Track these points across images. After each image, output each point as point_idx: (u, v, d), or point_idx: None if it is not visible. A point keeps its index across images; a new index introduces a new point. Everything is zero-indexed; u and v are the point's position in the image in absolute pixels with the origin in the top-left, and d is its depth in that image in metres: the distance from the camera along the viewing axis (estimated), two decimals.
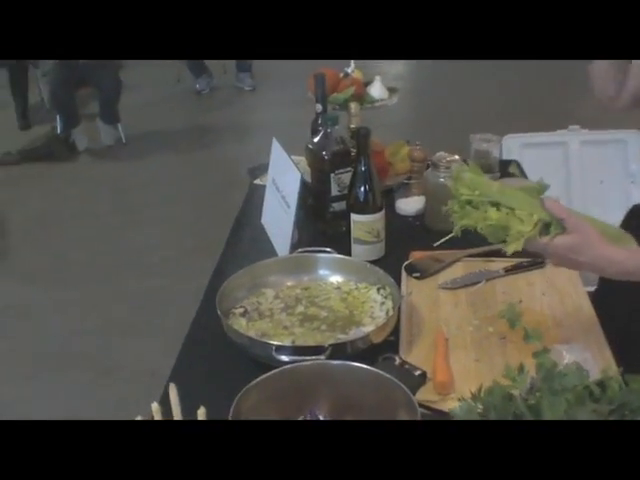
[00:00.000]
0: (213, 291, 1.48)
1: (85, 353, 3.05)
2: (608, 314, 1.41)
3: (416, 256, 1.68)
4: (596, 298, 1.53)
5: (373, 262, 1.57)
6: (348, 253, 1.64)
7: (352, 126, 1.94)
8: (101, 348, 3.08)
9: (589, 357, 1.27)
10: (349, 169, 1.71)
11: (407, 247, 1.69)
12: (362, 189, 1.64)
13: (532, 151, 2.89)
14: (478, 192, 1.21)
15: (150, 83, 5.82)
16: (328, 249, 1.58)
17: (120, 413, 2.52)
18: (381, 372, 1.11)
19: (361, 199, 1.64)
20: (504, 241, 1.20)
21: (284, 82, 5.74)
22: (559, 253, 1.19)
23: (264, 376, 1.11)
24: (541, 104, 4.98)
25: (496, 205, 1.19)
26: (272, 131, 4.22)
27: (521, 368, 0.99)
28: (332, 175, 1.74)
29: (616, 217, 1.61)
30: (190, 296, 3.07)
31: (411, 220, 1.87)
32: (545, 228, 1.18)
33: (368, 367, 1.13)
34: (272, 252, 1.68)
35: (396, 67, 5.84)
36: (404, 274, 1.62)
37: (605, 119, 3.89)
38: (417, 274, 1.61)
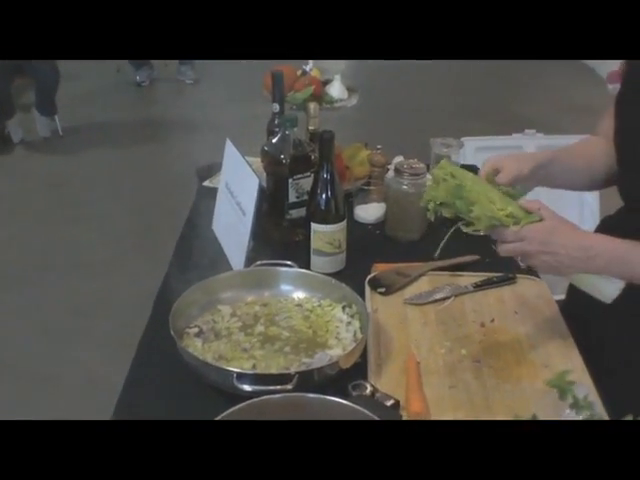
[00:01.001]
0: (162, 305, 1.39)
1: (19, 360, 2.88)
2: (579, 321, 1.39)
3: (379, 268, 1.59)
4: (566, 306, 1.48)
5: (333, 275, 1.48)
6: (305, 264, 1.54)
7: (311, 128, 1.83)
8: (36, 355, 2.91)
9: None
10: (308, 174, 1.63)
11: (368, 258, 1.62)
12: (324, 197, 1.54)
13: (487, 155, 2.80)
14: (455, 179, 1.21)
15: (89, 73, 5.60)
16: (289, 262, 1.48)
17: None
18: (359, 408, 1.01)
19: (323, 207, 1.55)
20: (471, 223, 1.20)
21: (227, 76, 5.61)
22: (536, 238, 1.17)
23: (230, 411, 0.99)
24: (496, 106, 4.98)
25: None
26: (220, 129, 4.17)
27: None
28: (290, 180, 1.65)
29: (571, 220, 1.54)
30: (131, 299, 3.13)
31: (371, 228, 1.80)
32: (516, 222, 1.18)
33: (345, 402, 1.03)
34: (224, 262, 1.58)
35: (354, 66, 5.69)
36: (368, 289, 1.53)
37: (560, 123, 3.93)
38: (382, 289, 1.52)
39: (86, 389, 2.69)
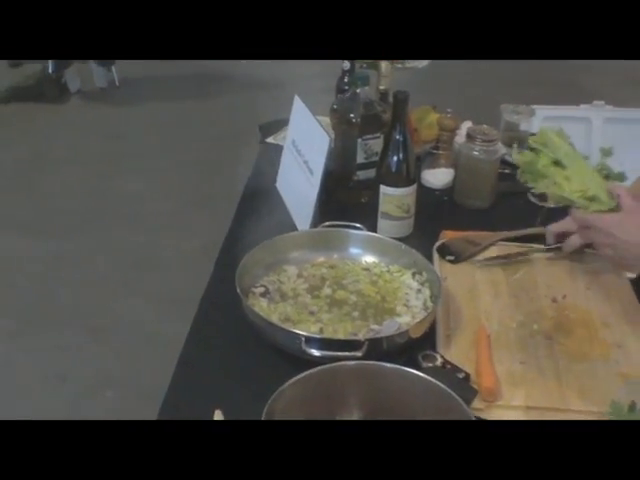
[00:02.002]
0: (225, 262, 1.38)
1: (67, 311, 2.87)
2: None
3: (448, 236, 1.54)
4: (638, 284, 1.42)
5: (400, 240, 1.44)
6: (371, 227, 1.50)
7: (382, 87, 1.78)
8: (85, 306, 2.90)
9: None
10: (378, 135, 1.58)
11: (436, 225, 1.56)
12: (395, 159, 1.49)
13: (553, 125, 2.73)
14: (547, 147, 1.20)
15: None
16: (357, 224, 1.45)
17: (108, 380, 2.46)
18: (435, 381, 0.98)
19: (393, 170, 1.50)
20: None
21: None
22: (602, 229, 1.15)
23: (300, 376, 0.97)
24: (560, 77, 4.83)
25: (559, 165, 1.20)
26: (285, 85, 4.08)
27: (632, 406, 0.84)
28: (359, 141, 1.60)
29: None
30: (185, 255, 3.14)
31: (438, 194, 1.74)
32: (586, 206, 1.18)
33: (421, 374, 1.01)
34: (289, 221, 1.55)
35: None
36: (436, 256, 1.48)
37: (630, 97, 3.80)
38: (451, 257, 1.47)
39: (138, 344, 2.68)
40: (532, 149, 1.27)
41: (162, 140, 4.17)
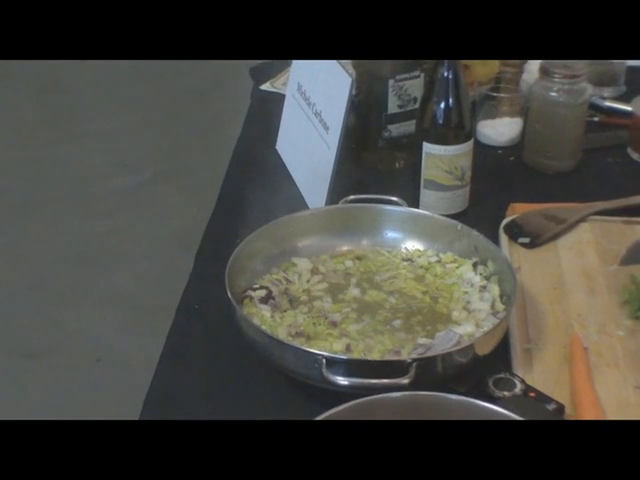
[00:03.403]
0: (209, 256, 1.40)
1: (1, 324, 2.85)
2: None
3: (518, 210, 1.51)
4: None
5: (453, 217, 1.42)
6: (411, 202, 1.48)
7: None
8: (20, 322, 2.86)
9: None
10: (417, 74, 1.58)
11: (501, 195, 1.57)
12: (443, 106, 1.45)
13: None
14: None
15: None
16: (393, 198, 1.42)
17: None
18: (517, 417, 0.92)
19: (441, 121, 1.46)
20: None
21: None
22: None
23: (322, 417, 0.90)
24: None
25: None
26: None
27: None
28: (391, 82, 1.58)
29: None
30: (155, 246, 3.15)
31: (502, 153, 1.73)
32: None
33: (495, 407, 0.94)
34: (297, 196, 1.57)
35: None
36: (504, 239, 1.44)
37: None
38: (525, 239, 1.43)
39: (93, 371, 2.65)
40: None
41: (120, 94, 4.15)
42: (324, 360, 1.08)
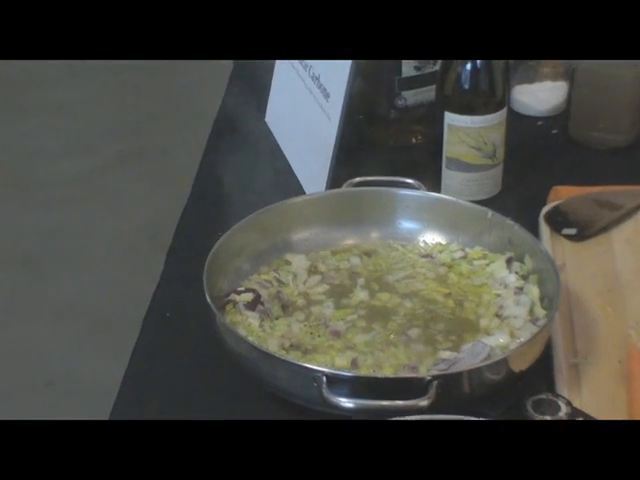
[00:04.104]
0: (183, 253, 1.43)
1: None
2: None
3: (562, 194, 1.53)
4: None
5: (483, 204, 1.43)
6: (431, 185, 1.49)
7: None
8: None
9: None
10: None
11: (542, 177, 1.59)
12: (470, 67, 1.46)
13: None
14: None
15: None
16: (409, 180, 1.43)
17: None
18: None
19: (467, 86, 1.47)
20: None
21: None
22: None
23: None
24: None
25: None
26: None
27: None
28: None
29: None
30: (117, 243, 3.14)
31: (542, 125, 1.75)
32: None
33: None
34: (291, 178, 1.59)
35: None
36: (545, 230, 1.45)
37: None
38: (571, 230, 1.44)
39: (37, 397, 2.67)
40: None
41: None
42: (324, 378, 1.08)
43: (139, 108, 3.80)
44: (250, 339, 1.17)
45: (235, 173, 1.57)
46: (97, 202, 3.35)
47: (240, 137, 1.70)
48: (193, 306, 1.24)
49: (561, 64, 1.75)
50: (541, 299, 1.27)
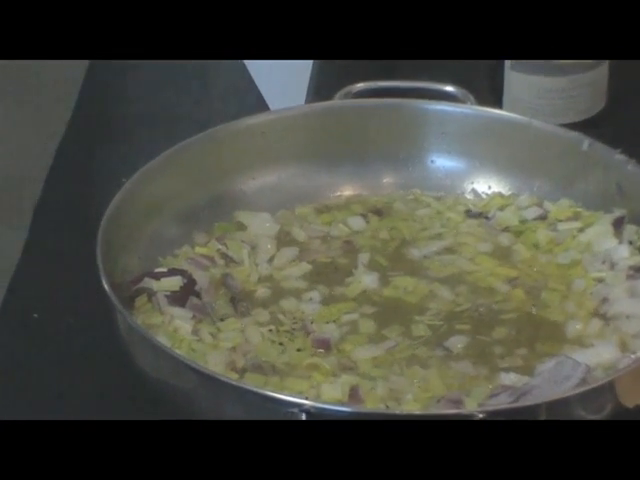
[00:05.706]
0: (58, 217, 1.47)
1: None
2: None
3: None
4: None
5: (575, 128, 1.45)
6: (486, 97, 1.54)
7: None
8: None
9: None
10: None
11: None
12: None
13: None
14: None
15: None
16: (450, 88, 1.46)
17: None
18: None
19: None
20: None
21: None
22: None
23: None
24: None
25: None
26: None
27: None
28: None
29: None
30: None
31: None
32: None
33: None
34: (249, 92, 1.62)
35: None
36: None
37: None
38: None
39: None
40: None
41: None
42: (304, 415, 1.08)
43: None
44: (177, 353, 1.16)
45: (147, 81, 1.61)
46: None
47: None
48: (78, 300, 1.27)
49: None
50: None
